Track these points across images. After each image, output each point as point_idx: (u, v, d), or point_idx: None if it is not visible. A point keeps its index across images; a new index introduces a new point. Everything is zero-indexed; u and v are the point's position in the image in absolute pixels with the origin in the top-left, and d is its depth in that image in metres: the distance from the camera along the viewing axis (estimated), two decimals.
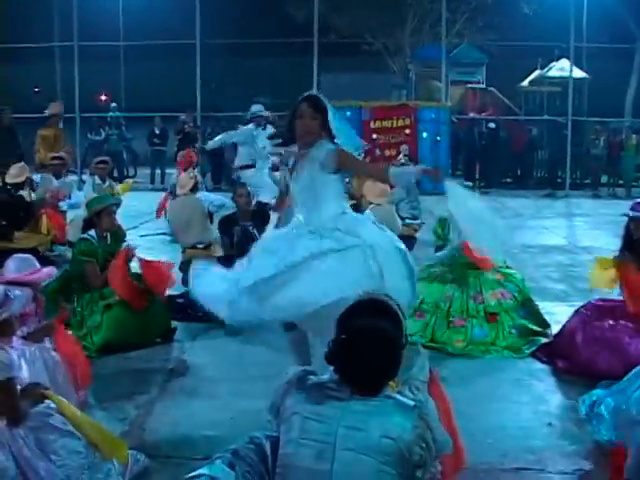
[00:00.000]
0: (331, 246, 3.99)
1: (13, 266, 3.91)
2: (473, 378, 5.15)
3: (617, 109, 20.82)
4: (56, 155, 10.43)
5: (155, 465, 3.77)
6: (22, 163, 9.87)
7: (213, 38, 19.51)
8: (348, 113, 15.75)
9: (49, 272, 4.06)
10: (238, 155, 11.36)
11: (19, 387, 3.34)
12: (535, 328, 5.93)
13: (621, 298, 5.33)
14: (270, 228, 4.72)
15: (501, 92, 20.89)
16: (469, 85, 21.17)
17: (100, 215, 5.99)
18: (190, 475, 2.72)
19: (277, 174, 8.56)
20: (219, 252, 7.06)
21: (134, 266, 6.05)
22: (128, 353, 5.55)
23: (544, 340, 5.78)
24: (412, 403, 2.60)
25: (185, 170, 9.48)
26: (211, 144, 12.24)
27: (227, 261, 4.68)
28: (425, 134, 16.88)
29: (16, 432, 3.25)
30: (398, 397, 2.62)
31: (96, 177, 10.13)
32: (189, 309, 6.48)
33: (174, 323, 6.13)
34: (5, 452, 3.21)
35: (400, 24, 23.40)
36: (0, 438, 3.22)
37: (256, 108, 10.94)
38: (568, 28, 18.29)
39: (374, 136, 16.57)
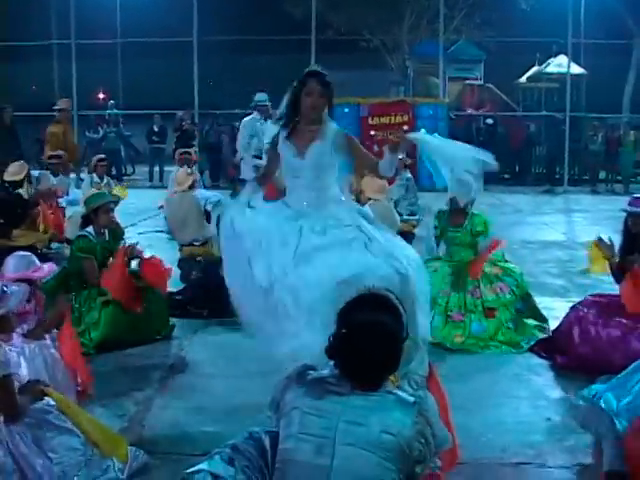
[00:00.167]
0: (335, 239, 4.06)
1: (13, 264, 3.91)
2: (472, 373, 5.15)
3: (615, 105, 20.83)
4: (54, 154, 10.45)
5: (154, 461, 3.76)
6: (21, 161, 9.85)
7: (211, 35, 19.51)
8: (346, 110, 15.74)
9: (51, 269, 4.06)
10: (242, 146, 11.20)
11: (18, 384, 3.34)
12: (533, 323, 5.94)
13: (616, 293, 5.35)
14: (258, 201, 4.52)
15: (499, 88, 20.88)
16: (467, 81, 21.14)
17: (98, 212, 5.98)
18: (189, 470, 2.72)
19: None
20: (216, 250, 7.05)
21: (134, 264, 6.08)
22: (127, 350, 5.55)
23: (542, 335, 5.78)
24: (412, 399, 2.60)
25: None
26: (242, 151, 11.42)
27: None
28: (423, 130, 16.85)
29: (14, 429, 3.25)
30: (399, 393, 2.62)
31: (94, 175, 10.14)
32: (188, 306, 6.50)
33: (173, 320, 6.13)
34: (2, 448, 3.22)
35: (398, 21, 23.38)
36: None
37: (260, 97, 10.77)
38: (566, 24, 18.29)
39: (372, 132, 16.59)
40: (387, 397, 2.59)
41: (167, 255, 7.11)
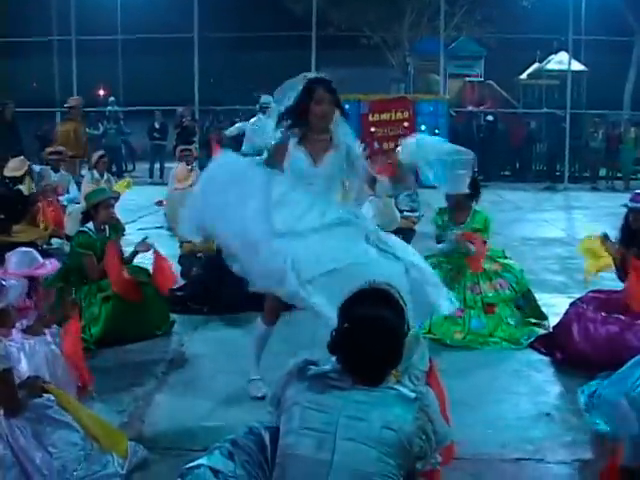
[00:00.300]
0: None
1: (15, 260, 3.89)
2: (472, 369, 5.15)
3: (616, 102, 20.80)
4: (54, 150, 10.43)
5: (154, 456, 3.77)
6: (22, 157, 9.84)
7: (211, 32, 19.47)
8: (347, 107, 15.62)
9: (54, 266, 4.04)
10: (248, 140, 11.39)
11: (18, 379, 3.34)
12: (532, 319, 5.94)
13: (616, 289, 5.35)
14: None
15: (499, 85, 20.87)
16: (467, 78, 21.12)
17: (98, 208, 5.98)
18: (189, 465, 2.73)
19: None
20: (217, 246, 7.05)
21: (141, 260, 6.10)
22: (127, 345, 5.55)
23: (542, 331, 5.78)
24: (413, 395, 2.60)
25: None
26: (232, 129, 12.54)
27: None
28: (423, 127, 16.82)
29: (14, 422, 3.26)
30: (400, 388, 2.62)
31: (94, 171, 10.14)
32: (188, 302, 6.51)
33: (173, 316, 6.13)
34: (2, 442, 3.22)
35: (398, 18, 23.39)
36: None
37: (266, 99, 11.04)
38: (566, 21, 18.28)
39: (372, 129, 16.55)
40: (388, 392, 2.59)
41: (167, 251, 7.09)
